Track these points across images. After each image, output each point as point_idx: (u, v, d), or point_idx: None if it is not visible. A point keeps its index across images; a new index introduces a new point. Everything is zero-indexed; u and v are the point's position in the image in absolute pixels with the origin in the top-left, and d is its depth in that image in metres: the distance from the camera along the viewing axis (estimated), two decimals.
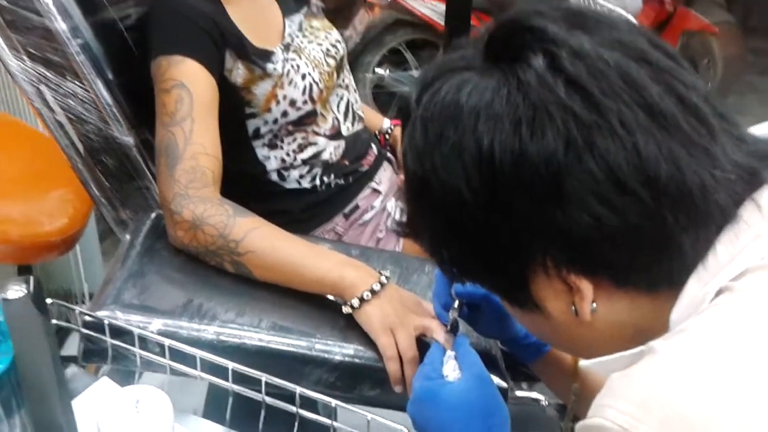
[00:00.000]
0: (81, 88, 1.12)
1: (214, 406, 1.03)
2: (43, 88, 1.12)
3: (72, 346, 0.96)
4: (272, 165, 1.21)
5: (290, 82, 1.16)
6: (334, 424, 0.80)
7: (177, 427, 0.75)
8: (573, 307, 0.56)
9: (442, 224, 0.58)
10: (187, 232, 0.98)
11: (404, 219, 0.64)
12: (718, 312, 0.49)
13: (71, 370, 0.85)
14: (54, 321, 0.84)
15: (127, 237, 1.07)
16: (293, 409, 0.81)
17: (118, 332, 0.85)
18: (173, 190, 0.98)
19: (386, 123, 1.46)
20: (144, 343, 0.85)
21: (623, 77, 0.51)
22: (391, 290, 0.93)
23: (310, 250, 0.98)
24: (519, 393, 1.01)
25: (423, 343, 0.88)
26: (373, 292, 0.91)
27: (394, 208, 1.31)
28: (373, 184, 1.30)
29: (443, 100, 0.55)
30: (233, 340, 0.90)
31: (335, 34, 1.31)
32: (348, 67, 1.33)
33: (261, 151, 1.19)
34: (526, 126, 0.51)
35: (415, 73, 3.43)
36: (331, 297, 0.96)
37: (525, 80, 0.52)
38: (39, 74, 1.11)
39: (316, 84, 1.19)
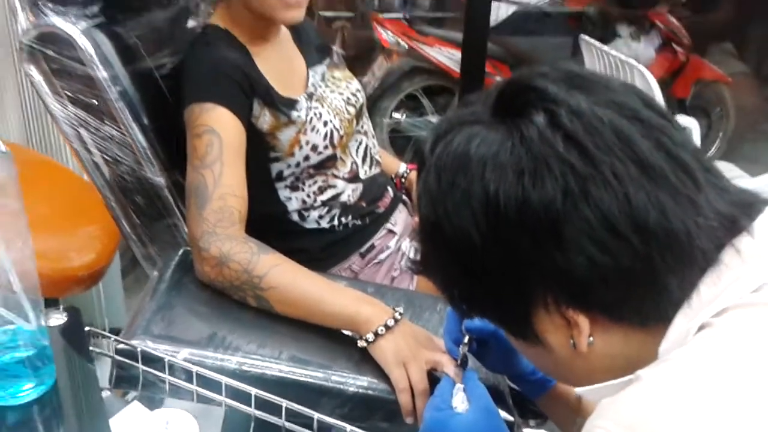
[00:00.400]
0: (118, 131, 1.18)
1: None
2: (82, 130, 1.19)
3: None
4: (293, 206, 1.26)
5: (313, 129, 1.22)
6: None
7: None
8: (571, 341, 0.61)
9: (453, 264, 0.63)
10: (213, 268, 1.03)
11: (418, 257, 0.69)
12: (699, 344, 0.54)
13: (104, 394, 0.90)
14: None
15: (155, 273, 1.12)
16: None
17: (149, 360, 0.90)
18: (202, 228, 1.04)
19: (402, 167, 1.51)
20: (171, 370, 0.89)
21: (616, 133, 0.56)
22: (405, 326, 0.97)
23: (328, 286, 1.02)
24: (526, 431, 1.05)
25: (434, 377, 0.92)
26: (387, 327, 0.95)
27: (409, 248, 1.35)
28: (388, 225, 1.35)
29: (455, 151, 0.61)
30: (255, 370, 0.94)
31: (355, 83, 1.37)
32: (367, 114, 1.39)
33: (283, 193, 1.25)
34: (528, 176, 0.56)
35: (432, 118, 3.50)
36: (346, 332, 1.00)
37: (528, 135, 0.57)
38: (79, 118, 1.18)
39: (337, 130, 1.25)
